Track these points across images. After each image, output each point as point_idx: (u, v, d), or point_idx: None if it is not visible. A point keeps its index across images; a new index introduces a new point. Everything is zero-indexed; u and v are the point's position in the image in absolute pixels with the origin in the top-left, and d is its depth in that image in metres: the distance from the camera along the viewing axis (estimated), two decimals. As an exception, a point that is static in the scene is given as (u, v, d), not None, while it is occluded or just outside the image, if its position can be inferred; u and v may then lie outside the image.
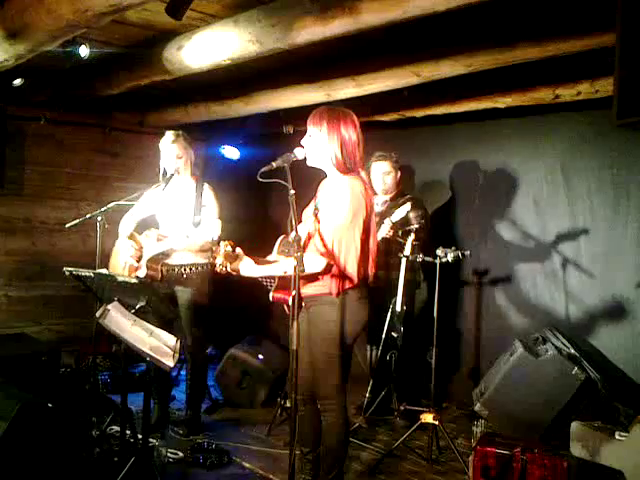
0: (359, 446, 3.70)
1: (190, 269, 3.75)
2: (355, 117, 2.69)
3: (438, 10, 2.34)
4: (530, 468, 2.89)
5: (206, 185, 3.83)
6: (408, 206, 3.76)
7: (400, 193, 4.28)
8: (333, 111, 2.67)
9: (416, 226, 3.80)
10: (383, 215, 3.97)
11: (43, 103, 4.87)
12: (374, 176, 4.14)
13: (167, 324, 3.20)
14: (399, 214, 3.77)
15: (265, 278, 3.14)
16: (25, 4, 2.57)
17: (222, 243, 2.55)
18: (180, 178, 3.80)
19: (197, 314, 3.82)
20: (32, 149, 5.16)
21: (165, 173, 3.78)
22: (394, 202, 4.14)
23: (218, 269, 2.60)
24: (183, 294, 3.79)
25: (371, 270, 2.74)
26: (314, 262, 2.53)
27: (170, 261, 3.76)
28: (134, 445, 3.02)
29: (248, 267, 2.63)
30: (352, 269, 2.61)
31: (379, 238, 3.54)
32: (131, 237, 3.80)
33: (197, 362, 3.98)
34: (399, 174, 4.26)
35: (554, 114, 4.12)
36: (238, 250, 2.63)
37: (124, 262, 3.78)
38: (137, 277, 3.63)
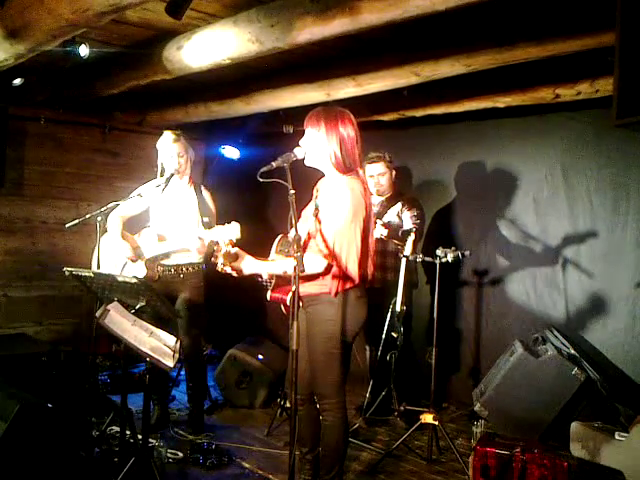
0: (359, 446, 3.70)
1: (187, 269, 3.75)
2: (352, 115, 2.68)
3: (437, 9, 2.34)
4: (530, 468, 2.88)
5: (202, 187, 3.87)
6: (398, 206, 3.74)
7: (396, 193, 4.27)
8: (330, 111, 2.67)
9: (412, 227, 3.78)
10: (380, 216, 3.97)
11: (43, 103, 4.87)
12: (368, 177, 4.09)
13: (165, 324, 3.20)
14: (389, 216, 3.77)
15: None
16: (25, 3, 2.57)
17: (222, 243, 2.55)
18: (178, 179, 3.79)
19: (194, 313, 3.82)
20: (32, 149, 5.16)
21: (163, 172, 3.78)
22: (390, 203, 4.14)
23: (219, 269, 2.61)
24: (180, 294, 3.79)
25: (370, 269, 2.74)
26: (315, 263, 2.54)
27: (166, 261, 3.75)
28: (134, 445, 3.02)
29: (250, 265, 2.64)
30: (353, 269, 2.61)
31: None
32: (124, 237, 3.78)
33: (195, 361, 3.98)
34: (394, 174, 4.24)
35: (554, 114, 4.12)
36: (238, 249, 2.63)
37: (114, 262, 3.76)
38: (136, 277, 3.62)
